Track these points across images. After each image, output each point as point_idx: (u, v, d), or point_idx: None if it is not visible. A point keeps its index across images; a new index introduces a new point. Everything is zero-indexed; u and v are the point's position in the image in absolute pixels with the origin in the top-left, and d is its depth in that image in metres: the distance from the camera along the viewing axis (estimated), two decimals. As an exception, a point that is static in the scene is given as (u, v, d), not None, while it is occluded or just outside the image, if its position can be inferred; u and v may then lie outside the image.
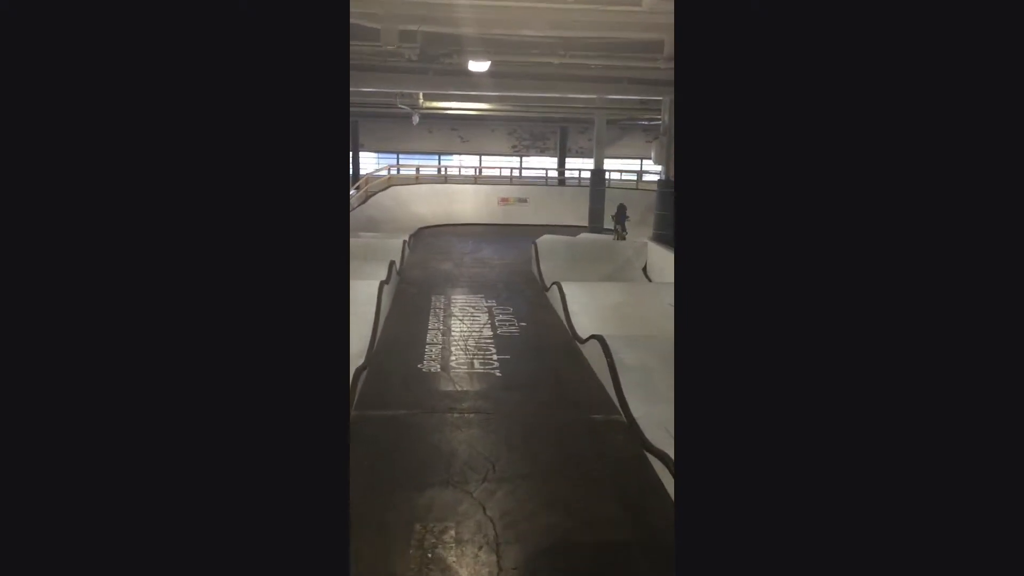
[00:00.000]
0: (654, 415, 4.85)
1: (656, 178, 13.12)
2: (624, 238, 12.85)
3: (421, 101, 14.47)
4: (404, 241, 12.06)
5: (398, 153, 21.84)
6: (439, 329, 7.57)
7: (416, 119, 16.51)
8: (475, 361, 6.50)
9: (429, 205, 17.23)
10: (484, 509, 3.80)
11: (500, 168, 20.03)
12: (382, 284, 7.87)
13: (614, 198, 14.78)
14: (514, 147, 22.42)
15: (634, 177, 19.80)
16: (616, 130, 20.62)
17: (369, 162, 21.85)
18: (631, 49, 8.61)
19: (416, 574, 3.24)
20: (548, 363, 6.53)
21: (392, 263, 9.74)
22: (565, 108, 16.29)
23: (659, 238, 11.24)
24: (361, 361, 5.95)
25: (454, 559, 3.35)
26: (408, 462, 4.37)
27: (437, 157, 22.39)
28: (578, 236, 13.79)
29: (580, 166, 20.10)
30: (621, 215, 13.22)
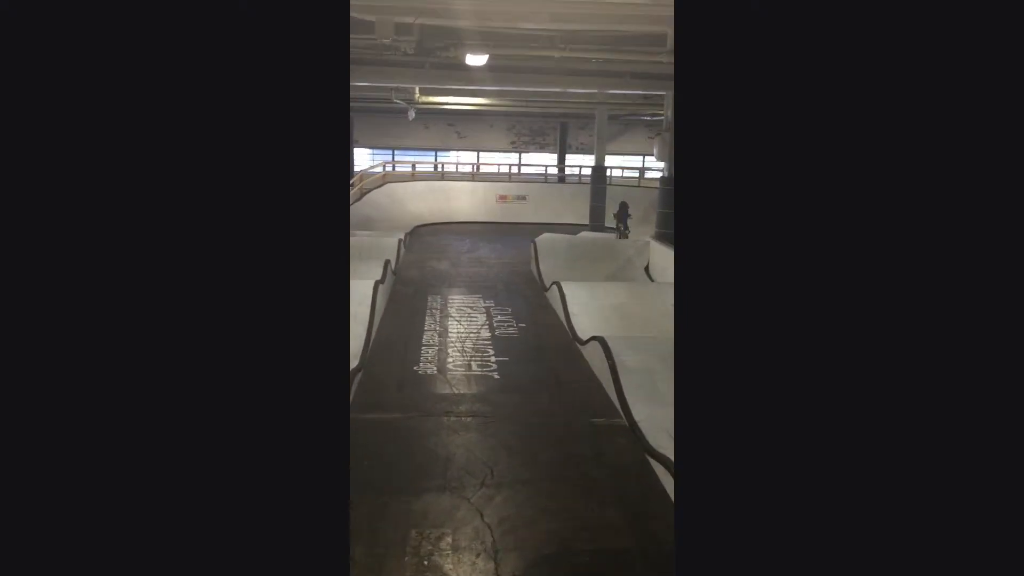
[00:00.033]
0: (656, 418, 4.75)
1: (659, 175, 12.97)
2: (626, 236, 12.69)
3: (417, 96, 14.22)
4: (400, 240, 11.93)
5: (393, 149, 21.66)
6: (436, 330, 7.44)
7: (412, 114, 16.30)
8: (473, 363, 6.38)
9: (425, 202, 17.04)
10: (482, 515, 3.71)
11: (498, 165, 19.92)
12: (377, 284, 7.76)
13: (615, 195, 14.69)
14: (513, 143, 22.22)
15: (636, 174, 19.71)
16: (618, 126, 20.40)
17: (364, 158, 21.65)
18: (633, 42, 8.45)
19: (410, 586, 3.13)
20: (548, 365, 6.42)
21: (387, 262, 9.60)
22: (565, 103, 16.03)
23: (662, 237, 11.01)
24: (355, 363, 5.82)
25: (451, 567, 3.27)
26: (403, 466, 4.27)
27: (434, 153, 22.17)
28: (578, 235, 13.60)
29: (581, 163, 19.89)
30: (623, 213, 13.09)
